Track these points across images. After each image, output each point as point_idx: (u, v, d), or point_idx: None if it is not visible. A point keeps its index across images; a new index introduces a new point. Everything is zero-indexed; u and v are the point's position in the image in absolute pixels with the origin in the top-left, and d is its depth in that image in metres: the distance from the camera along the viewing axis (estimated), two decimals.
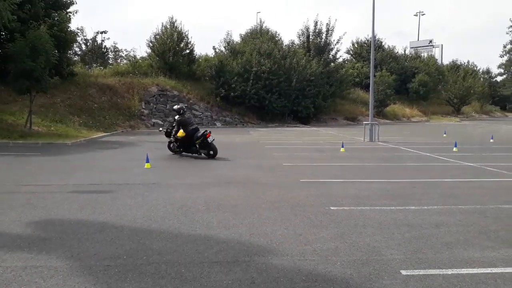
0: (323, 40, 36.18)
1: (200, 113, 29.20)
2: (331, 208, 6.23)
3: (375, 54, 34.70)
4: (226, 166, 10.69)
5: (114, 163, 11.32)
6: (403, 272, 3.88)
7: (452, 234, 5.04)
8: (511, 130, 28.15)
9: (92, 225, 5.28)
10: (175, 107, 13.12)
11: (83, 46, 33.45)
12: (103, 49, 35.20)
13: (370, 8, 20.16)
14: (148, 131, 24.12)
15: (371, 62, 20.42)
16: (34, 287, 3.56)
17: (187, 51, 31.78)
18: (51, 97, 22.14)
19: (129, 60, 33.65)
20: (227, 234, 4.95)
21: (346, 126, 32.85)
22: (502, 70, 62.75)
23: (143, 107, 27.41)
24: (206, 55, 34.86)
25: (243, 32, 41.17)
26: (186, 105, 28.61)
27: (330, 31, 36.02)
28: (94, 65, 32.54)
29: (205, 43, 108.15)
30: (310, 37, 36.69)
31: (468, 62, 58.56)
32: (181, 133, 12.12)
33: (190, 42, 31.82)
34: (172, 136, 12.59)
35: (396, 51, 49.75)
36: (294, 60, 31.44)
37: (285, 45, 34.96)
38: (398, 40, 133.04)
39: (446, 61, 59.52)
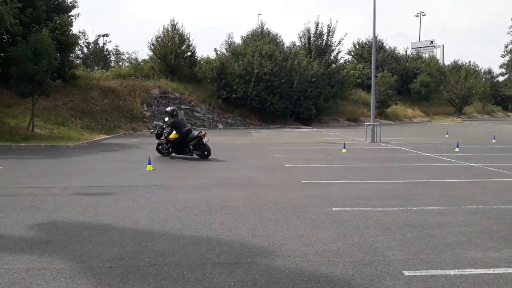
0: (324, 41, 36.23)
1: (202, 115, 29.26)
2: (333, 209, 6.22)
3: (377, 55, 34.74)
4: (228, 167, 10.70)
5: (116, 165, 11.34)
6: (406, 273, 3.87)
7: (454, 234, 5.03)
8: None
9: (95, 227, 5.29)
10: (168, 108, 13.09)
11: (85, 49, 33.55)
12: (105, 52, 35.30)
13: (371, 9, 20.21)
14: (150, 133, 24.10)
15: (373, 63, 20.41)
16: None
17: (189, 53, 31.93)
18: (53, 100, 22.19)
19: (131, 63, 33.74)
20: (229, 236, 4.96)
21: (348, 127, 32.82)
22: (503, 70, 62.48)
23: (145, 109, 27.45)
24: (208, 57, 35.03)
25: (244, 34, 41.34)
26: (187, 106, 28.79)
27: (331, 33, 36.10)
28: (96, 68, 32.60)
29: (205, 44, 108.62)
30: (311, 38, 36.74)
31: (470, 62, 58.61)
32: (174, 135, 12.13)
33: (191, 44, 32.02)
34: (163, 138, 12.54)
35: (397, 51, 49.86)
36: (296, 61, 31.46)
37: (286, 47, 35.04)
38: (399, 41, 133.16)
39: (447, 61, 59.66)
